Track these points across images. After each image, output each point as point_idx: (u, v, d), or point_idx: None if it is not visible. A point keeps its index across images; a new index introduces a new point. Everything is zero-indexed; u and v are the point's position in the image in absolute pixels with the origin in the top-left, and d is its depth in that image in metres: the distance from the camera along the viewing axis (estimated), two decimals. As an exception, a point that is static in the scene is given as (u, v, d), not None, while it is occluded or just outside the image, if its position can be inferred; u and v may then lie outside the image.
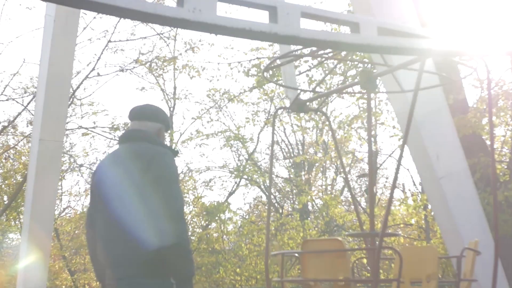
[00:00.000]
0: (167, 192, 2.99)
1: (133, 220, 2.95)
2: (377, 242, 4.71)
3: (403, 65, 5.93)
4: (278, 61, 7.43)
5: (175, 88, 20.81)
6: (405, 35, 3.11)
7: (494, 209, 4.19)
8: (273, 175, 24.11)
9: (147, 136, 3.24)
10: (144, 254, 2.92)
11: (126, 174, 3.07)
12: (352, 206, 25.54)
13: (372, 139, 22.35)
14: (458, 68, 10.70)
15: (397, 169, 4.67)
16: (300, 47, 5.48)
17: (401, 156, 4.61)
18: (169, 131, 3.67)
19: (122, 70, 18.43)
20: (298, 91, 6.92)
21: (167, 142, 20.28)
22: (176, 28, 16.04)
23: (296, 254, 7.61)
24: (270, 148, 7.87)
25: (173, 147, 20.89)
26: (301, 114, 20.73)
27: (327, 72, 12.67)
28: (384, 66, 5.29)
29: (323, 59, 8.41)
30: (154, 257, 2.93)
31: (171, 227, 2.91)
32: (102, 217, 3.12)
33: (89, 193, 3.40)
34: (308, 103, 6.79)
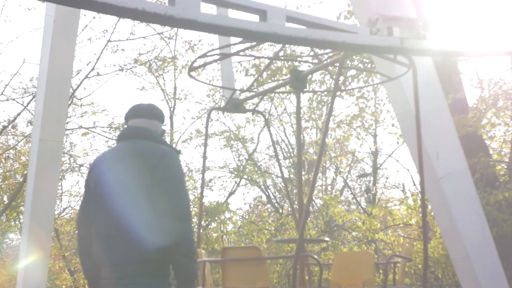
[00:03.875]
0: (175, 193, 2.97)
1: (138, 219, 2.92)
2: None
3: (330, 63, 5.90)
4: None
5: (175, 88, 20.84)
6: (319, 27, 2.97)
7: (422, 209, 4.15)
8: (273, 175, 24.12)
9: (151, 135, 3.20)
10: (146, 253, 2.90)
11: (132, 173, 3.02)
12: (353, 206, 25.57)
13: (371, 138, 22.35)
14: (458, 68, 10.71)
15: (316, 170, 4.66)
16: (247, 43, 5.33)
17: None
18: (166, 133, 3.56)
19: (122, 70, 18.45)
20: (234, 90, 6.85)
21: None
22: (176, 28, 16.01)
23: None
24: (203, 147, 7.82)
25: (174, 147, 20.77)
26: (302, 113, 20.71)
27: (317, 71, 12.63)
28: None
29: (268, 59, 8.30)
30: (156, 257, 2.92)
31: (175, 226, 2.90)
32: (102, 215, 3.05)
33: (85, 188, 3.25)
34: (244, 103, 6.73)
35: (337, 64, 4.76)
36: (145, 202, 2.94)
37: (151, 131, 3.23)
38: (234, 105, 6.64)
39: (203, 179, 7.09)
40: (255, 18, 2.82)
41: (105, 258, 3.02)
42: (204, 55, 6.29)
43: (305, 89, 5.81)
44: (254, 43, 6.06)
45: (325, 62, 6.11)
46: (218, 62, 7.54)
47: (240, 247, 9.43)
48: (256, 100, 12.54)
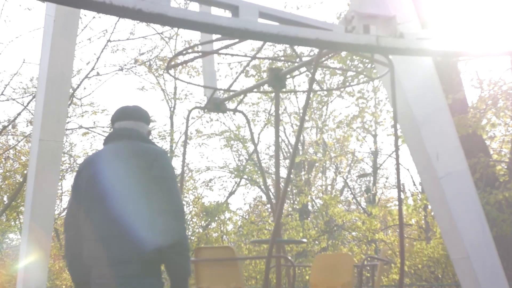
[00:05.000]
0: (170, 191, 3.02)
1: (135, 219, 2.94)
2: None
3: (307, 62, 5.88)
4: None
5: (175, 88, 20.85)
6: (293, 24, 2.90)
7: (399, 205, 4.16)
8: (273, 175, 24.10)
9: (140, 136, 3.25)
10: (143, 253, 2.92)
11: (128, 172, 3.04)
12: (353, 206, 25.57)
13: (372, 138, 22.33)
14: (458, 68, 10.71)
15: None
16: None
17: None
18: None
19: (122, 70, 18.45)
20: (214, 90, 6.82)
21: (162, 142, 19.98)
22: (176, 28, 16.01)
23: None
24: (183, 147, 7.81)
25: (167, 148, 21.10)
26: (300, 113, 20.71)
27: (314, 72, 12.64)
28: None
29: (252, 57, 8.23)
30: (153, 256, 2.94)
31: (173, 225, 2.94)
32: (98, 215, 3.05)
33: (74, 190, 3.24)
34: (225, 103, 6.71)
35: (330, 62, 4.78)
36: (142, 201, 2.97)
37: (140, 132, 3.28)
38: (215, 105, 6.65)
39: (181, 183, 7.05)
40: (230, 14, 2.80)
41: (100, 258, 3.02)
42: (180, 53, 6.31)
43: (284, 88, 5.82)
44: (236, 40, 6.04)
45: (303, 61, 6.10)
46: (196, 59, 7.50)
47: (214, 247, 9.43)
48: (248, 99, 12.51)
